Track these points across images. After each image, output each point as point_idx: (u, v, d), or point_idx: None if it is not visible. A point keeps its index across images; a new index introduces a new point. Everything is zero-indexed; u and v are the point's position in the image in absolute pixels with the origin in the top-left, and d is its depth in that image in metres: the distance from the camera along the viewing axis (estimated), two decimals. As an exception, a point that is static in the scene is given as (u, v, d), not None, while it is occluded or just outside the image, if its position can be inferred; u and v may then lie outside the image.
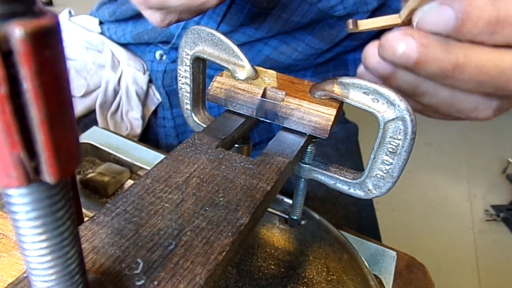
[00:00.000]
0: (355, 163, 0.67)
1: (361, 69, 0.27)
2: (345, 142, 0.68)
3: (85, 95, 0.64)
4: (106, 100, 0.64)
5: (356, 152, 0.70)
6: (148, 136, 0.70)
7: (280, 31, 0.57)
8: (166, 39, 0.63)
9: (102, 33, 0.71)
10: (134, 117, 0.66)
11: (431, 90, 0.24)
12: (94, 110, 0.63)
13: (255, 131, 0.67)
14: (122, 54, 0.67)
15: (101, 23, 0.71)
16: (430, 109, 0.28)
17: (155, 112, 0.70)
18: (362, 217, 0.60)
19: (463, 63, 0.21)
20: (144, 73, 0.68)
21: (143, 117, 0.67)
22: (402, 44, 0.21)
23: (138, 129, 0.66)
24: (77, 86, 0.64)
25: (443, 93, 0.24)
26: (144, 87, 0.67)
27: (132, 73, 0.66)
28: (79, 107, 0.63)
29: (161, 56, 0.66)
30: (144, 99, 0.68)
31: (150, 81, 0.69)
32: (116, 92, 0.66)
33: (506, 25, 0.20)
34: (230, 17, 0.56)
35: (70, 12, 0.73)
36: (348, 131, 0.71)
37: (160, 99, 0.69)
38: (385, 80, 0.25)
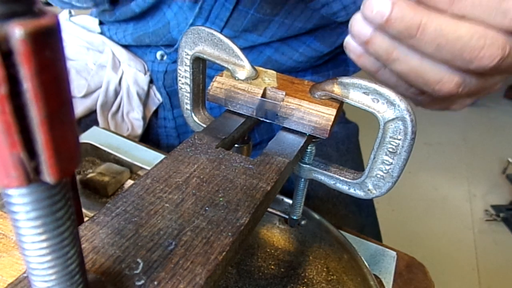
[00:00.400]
0: (355, 163, 0.67)
1: (348, 38, 0.30)
2: (345, 142, 0.68)
3: (86, 95, 0.64)
4: (107, 100, 0.64)
5: (356, 152, 0.70)
6: (149, 136, 0.70)
7: (283, 36, 0.57)
8: (168, 43, 0.63)
9: (102, 33, 0.70)
10: (135, 118, 0.66)
11: (402, 56, 0.28)
12: (95, 111, 0.63)
13: (255, 131, 0.67)
14: (123, 54, 0.67)
15: (101, 23, 0.71)
16: (402, 82, 0.31)
17: (156, 112, 0.70)
18: (362, 217, 0.60)
19: (425, 24, 0.25)
20: (145, 74, 0.68)
21: (144, 118, 0.66)
22: (378, 2, 0.25)
23: (139, 130, 0.65)
24: (77, 86, 0.63)
25: (413, 60, 0.28)
26: (145, 87, 0.67)
27: (133, 74, 0.66)
28: (80, 107, 0.63)
29: (162, 56, 0.66)
30: (145, 100, 0.68)
31: (151, 81, 0.69)
32: (117, 93, 0.66)
33: None
34: (233, 23, 0.56)
35: (70, 12, 0.73)
36: (348, 131, 0.71)
37: (161, 100, 0.69)
38: (366, 46, 0.28)
